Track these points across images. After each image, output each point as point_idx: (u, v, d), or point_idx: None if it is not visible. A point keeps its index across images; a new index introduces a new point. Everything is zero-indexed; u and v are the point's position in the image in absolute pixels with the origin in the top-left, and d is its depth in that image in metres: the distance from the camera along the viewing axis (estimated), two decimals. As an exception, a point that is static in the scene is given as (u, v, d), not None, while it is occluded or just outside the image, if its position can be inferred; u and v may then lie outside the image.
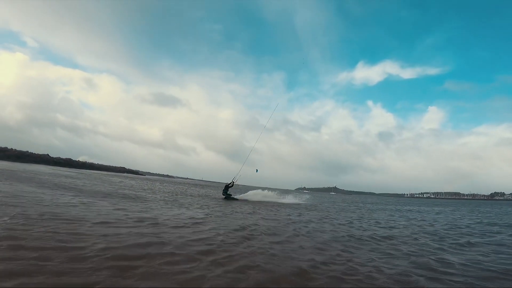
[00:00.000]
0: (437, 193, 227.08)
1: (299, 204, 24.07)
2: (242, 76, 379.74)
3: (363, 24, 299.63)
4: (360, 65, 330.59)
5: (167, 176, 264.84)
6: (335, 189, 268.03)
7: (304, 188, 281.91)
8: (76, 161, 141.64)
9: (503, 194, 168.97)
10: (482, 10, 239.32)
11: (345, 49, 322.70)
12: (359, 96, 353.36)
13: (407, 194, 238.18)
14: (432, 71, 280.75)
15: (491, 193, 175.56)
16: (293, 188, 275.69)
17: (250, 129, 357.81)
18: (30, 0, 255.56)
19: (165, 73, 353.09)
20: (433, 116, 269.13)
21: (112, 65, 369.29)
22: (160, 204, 13.35)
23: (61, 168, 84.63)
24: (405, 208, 31.96)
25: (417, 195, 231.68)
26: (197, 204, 15.69)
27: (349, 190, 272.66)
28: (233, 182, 22.20)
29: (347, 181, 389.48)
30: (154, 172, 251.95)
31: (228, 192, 22.28)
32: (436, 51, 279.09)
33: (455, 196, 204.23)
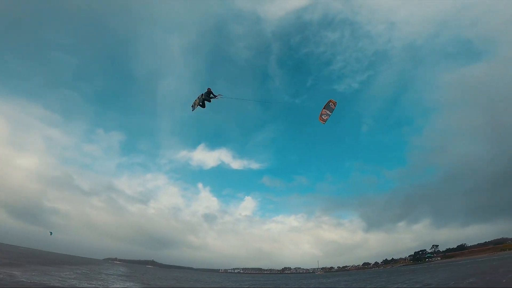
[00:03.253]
0: (245, 269, 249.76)
1: None
2: (71, 123, 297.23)
3: (218, 109, 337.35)
4: (201, 147, 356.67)
5: None
6: (152, 262, 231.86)
7: (116, 259, 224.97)
8: None
9: (290, 268, 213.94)
10: (298, 118, 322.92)
11: (193, 128, 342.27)
12: (193, 177, 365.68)
13: (221, 270, 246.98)
14: (255, 165, 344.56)
15: (283, 268, 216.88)
16: (102, 258, 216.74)
17: (59, 187, 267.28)
18: None
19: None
20: (248, 204, 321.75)
21: None
22: None
23: None
24: None
25: (230, 270, 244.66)
26: None
27: (168, 264, 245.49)
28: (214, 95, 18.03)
29: (167, 255, 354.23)
30: None
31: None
32: (262, 148, 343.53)
33: (258, 271, 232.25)
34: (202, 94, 17.40)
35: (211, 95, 17.85)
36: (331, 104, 18.17)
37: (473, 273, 24.61)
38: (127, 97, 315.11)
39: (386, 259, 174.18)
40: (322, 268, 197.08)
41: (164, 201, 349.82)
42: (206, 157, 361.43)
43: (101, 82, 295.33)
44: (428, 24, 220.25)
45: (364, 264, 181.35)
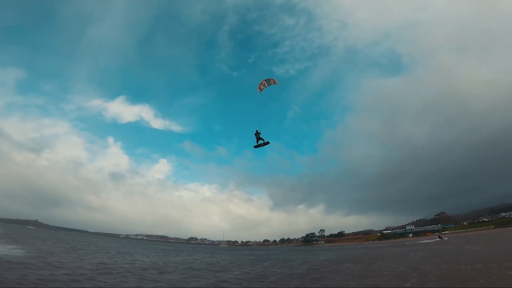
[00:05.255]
0: (150, 235, 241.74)
1: None
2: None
3: (151, 63, 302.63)
4: (120, 99, 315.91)
5: None
6: (35, 223, 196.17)
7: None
8: None
9: (196, 238, 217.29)
10: (231, 90, 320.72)
11: (116, 78, 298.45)
12: (103, 129, 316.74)
13: (122, 235, 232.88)
14: (177, 128, 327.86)
15: (189, 238, 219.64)
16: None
17: None
18: None
19: None
20: (162, 167, 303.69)
21: None
22: None
23: None
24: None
25: (132, 236, 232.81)
26: None
27: (56, 225, 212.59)
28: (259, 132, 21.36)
29: (55, 216, 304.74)
30: None
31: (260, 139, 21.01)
32: (188, 112, 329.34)
33: (163, 239, 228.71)
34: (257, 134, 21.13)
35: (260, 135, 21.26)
36: (272, 81, 20.67)
37: (349, 259, 30.85)
38: (41, 34, 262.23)
39: (283, 238, 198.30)
40: (227, 242, 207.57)
41: (62, 152, 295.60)
42: (124, 110, 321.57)
43: (11, 14, 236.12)
44: (374, 33, 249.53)
45: (265, 241, 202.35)
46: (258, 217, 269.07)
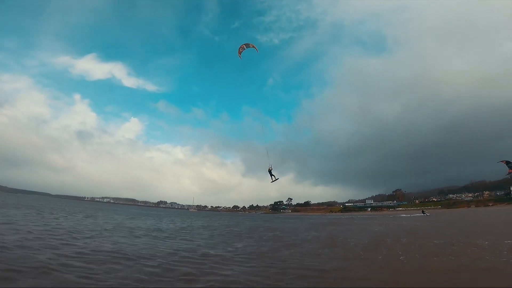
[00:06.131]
0: (117, 198, 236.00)
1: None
2: None
3: (127, 20, 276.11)
4: (90, 56, 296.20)
5: None
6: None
7: None
8: None
9: (165, 202, 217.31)
10: (212, 53, 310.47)
11: (88, 35, 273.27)
12: (69, 85, 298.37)
13: (87, 198, 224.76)
14: (152, 87, 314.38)
15: (158, 201, 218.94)
16: None
17: None
18: None
19: None
20: (133, 127, 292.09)
21: None
22: None
23: None
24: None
25: (98, 199, 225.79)
26: None
27: (16, 188, 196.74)
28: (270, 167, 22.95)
29: (16, 177, 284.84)
30: None
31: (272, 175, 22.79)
32: (164, 72, 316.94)
33: (131, 202, 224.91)
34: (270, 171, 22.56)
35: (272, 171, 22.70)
36: (250, 45, 20.21)
37: (315, 229, 32.06)
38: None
39: (252, 205, 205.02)
40: (197, 206, 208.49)
41: (24, 109, 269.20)
42: (94, 67, 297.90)
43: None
44: (363, 11, 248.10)
45: (234, 207, 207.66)
46: (229, 182, 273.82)
